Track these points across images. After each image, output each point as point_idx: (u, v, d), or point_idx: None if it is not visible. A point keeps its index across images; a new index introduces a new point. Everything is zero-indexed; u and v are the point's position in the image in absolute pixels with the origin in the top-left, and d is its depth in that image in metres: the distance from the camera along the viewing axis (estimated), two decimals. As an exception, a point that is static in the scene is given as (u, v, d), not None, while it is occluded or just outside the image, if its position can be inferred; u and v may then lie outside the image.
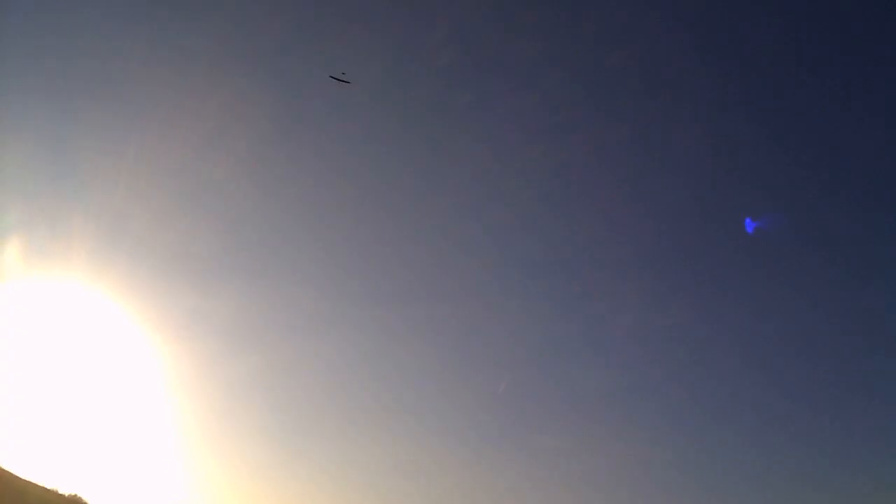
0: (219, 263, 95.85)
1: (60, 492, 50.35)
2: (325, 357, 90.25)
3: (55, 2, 79.37)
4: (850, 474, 77.91)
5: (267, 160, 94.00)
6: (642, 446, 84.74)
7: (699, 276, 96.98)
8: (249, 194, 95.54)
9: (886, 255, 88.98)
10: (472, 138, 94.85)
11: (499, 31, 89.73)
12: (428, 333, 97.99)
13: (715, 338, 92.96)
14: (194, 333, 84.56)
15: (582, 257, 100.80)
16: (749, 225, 78.96)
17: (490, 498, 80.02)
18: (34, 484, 46.55)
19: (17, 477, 43.98)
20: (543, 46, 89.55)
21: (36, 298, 65.82)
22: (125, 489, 62.96)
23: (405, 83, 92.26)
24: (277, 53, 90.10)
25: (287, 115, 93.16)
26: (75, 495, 52.90)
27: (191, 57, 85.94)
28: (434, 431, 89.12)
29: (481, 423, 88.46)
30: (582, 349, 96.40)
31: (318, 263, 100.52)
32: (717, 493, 78.72)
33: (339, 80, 50.97)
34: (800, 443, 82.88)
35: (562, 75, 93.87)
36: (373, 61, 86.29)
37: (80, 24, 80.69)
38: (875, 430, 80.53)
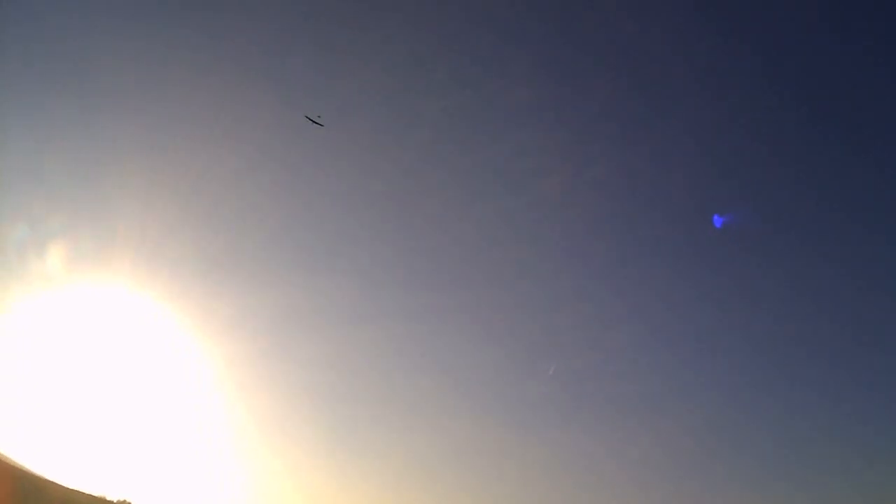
0: (262, 263, 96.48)
1: (109, 498, 49.98)
2: (372, 348, 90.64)
3: (108, 11, 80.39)
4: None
5: (310, 159, 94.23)
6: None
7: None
8: (291, 192, 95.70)
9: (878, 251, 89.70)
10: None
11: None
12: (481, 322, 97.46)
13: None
14: (239, 332, 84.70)
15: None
16: (717, 220, 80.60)
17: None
18: (80, 492, 46.20)
19: (61, 486, 43.56)
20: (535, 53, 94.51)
21: (80, 302, 66.15)
22: (174, 492, 62.56)
23: (433, 80, 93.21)
24: (308, 55, 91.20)
25: (335, 114, 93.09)
26: (125, 501, 52.52)
27: (229, 67, 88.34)
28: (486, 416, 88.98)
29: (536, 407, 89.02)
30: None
31: (370, 256, 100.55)
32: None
33: (314, 121, 53.82)
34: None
35: (552, 88, 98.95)
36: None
37: (133, 36, 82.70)
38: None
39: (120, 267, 68.56)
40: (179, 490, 62.94)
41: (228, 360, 78.16)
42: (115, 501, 50.81)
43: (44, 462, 52.18)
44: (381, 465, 79.85)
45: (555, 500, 79.56)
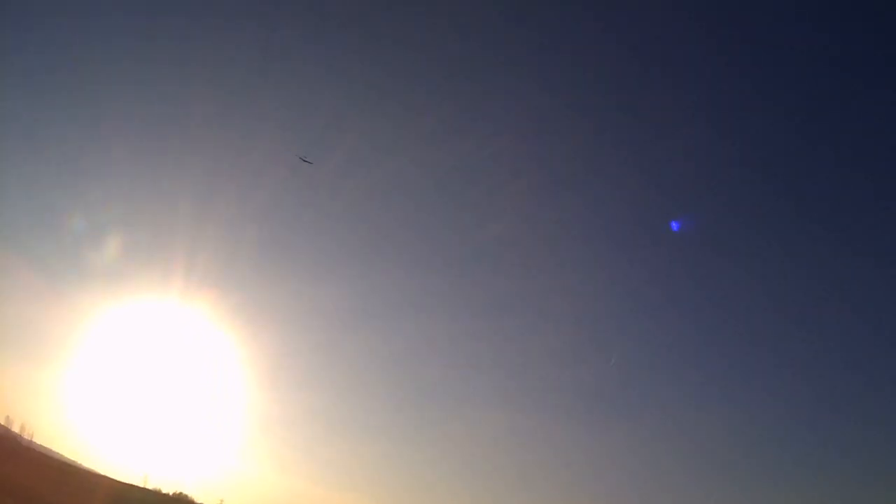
0: (311, 259, 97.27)
1: (164, 491, 49.56)
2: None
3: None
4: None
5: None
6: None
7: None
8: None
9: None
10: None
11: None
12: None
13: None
14: (290, 329, 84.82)
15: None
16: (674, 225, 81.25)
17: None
18: (138, 487, 45.86)
19: (120, 482, 43.13)
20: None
21: (136, 296, 66.33)
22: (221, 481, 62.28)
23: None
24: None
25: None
26: (180, 493, 52.09)
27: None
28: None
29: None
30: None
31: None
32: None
33: (304, 160, 60.38)
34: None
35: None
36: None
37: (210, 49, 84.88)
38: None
39: (175, 259, 68.51)
40: (223, 478, 62.80)
41: (274, 354, 78.28)
42: (170, 494, 50.47)
43: (98, 458, 52.44)
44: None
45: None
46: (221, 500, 54.88)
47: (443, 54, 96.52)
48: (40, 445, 53.59)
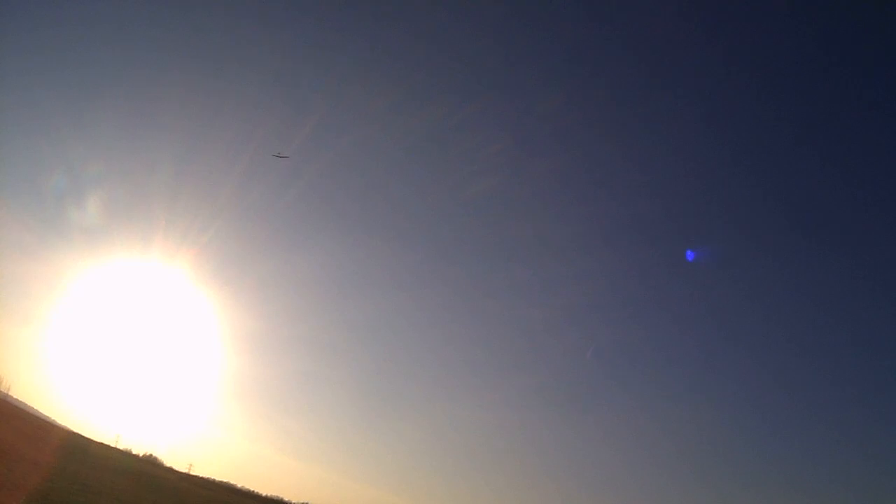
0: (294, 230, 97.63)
1: (134, 452, 51.47)
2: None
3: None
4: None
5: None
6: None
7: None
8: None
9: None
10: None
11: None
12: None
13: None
14: (269, 296, 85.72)
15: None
16: (690, 255, 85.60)
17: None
18: (110, 447, 47.64)
19: (92, 441, 44.85)
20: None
21: (116, 253, 67.19)
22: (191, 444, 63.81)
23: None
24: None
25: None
26: (150, 454, 54.03)
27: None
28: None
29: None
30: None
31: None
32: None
33: (279, 156, 65.16)
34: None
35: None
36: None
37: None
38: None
39: (155, 215, 69.43)
40: (194, 444, 64.31)
41: (251, 320, 79.43)
42: (140, 455, 52.34)
43: (73, 416, 53.92)
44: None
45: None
46: (191, 465, 56.75)
47: (437, 51, 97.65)
48: (16, 399, 54.92)
